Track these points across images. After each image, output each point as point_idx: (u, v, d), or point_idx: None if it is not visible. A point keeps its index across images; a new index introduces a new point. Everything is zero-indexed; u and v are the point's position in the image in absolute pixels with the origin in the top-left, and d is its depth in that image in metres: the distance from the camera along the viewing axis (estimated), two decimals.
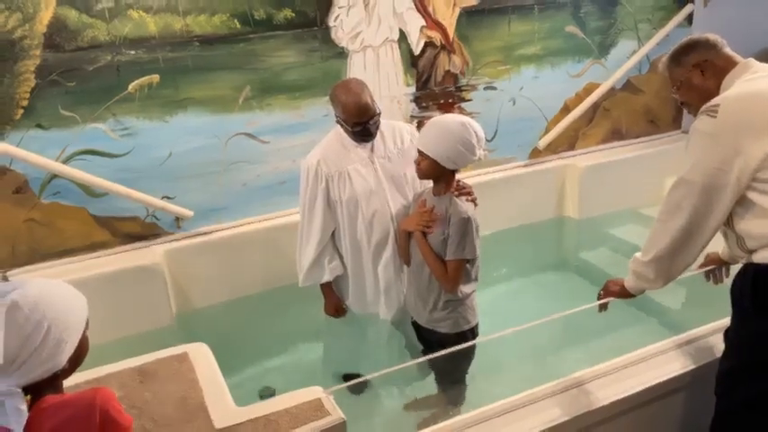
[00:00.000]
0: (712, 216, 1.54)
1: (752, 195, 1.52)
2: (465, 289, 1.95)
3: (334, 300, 2.25)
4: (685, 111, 1.78)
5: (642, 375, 1.82)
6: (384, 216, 2.08)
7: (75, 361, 1.15)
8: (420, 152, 1.88)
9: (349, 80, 2.10)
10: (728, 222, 1.60)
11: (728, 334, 1.72)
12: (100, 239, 2.62)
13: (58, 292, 1.12)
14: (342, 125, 2.05)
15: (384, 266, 2.14)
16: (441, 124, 1.86)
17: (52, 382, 1.10)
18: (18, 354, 1.04)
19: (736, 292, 1.63)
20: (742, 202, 1.54)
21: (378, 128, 2.06)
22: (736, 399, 1.65)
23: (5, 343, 1.02)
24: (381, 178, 2.09)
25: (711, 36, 1.68)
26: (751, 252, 1.57)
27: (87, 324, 1.17)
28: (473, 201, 1.95)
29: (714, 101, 1.55)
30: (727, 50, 1.66)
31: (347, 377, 2.24)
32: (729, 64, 1.63)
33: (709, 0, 3.60)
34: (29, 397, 1.07)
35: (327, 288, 2.24)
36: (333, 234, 2.17)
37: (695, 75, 1.66)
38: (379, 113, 2.03)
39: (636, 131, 3.74)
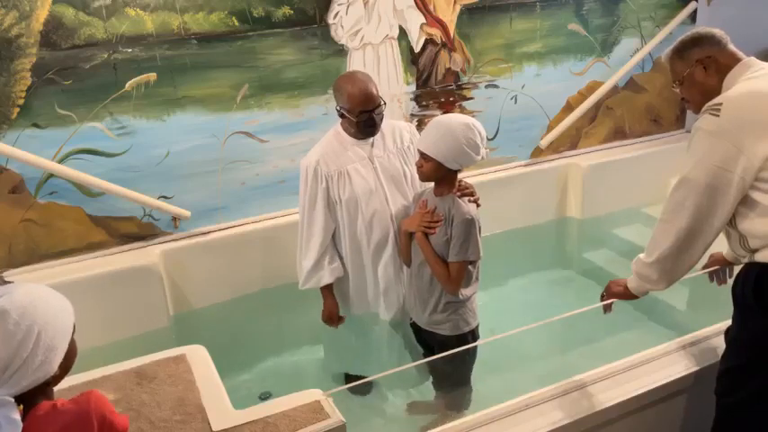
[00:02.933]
0: (716, 216, 1.53)
1: (755, 195, 1.51)
2: (466, 291, 1.93)
3: (331, 306, 2.20)
4: (689, 110, 1.76)
5: (645, 377, 1.81)
6: (384, 216, 2.06)
7: (66, 366, 1.13)
8: (422, 154, 1.86)
9: (354, 71, 2.08)
10: (731, 222, 1.58)
11: (729, 333, 1.71)
12: (96, 240, 2.60)
13: (45, 297, 1.10)
14: (345, 116, 2.01)
15: (384, 267, 2.12)
16: (443, 125, 1.83)
17: (44, 390, 1.08)
18: (10, 362, 1.02)
19: (738, 291, 1.62)
20: (745, 202, 1.53)
21: (382, 119, 2.03)
22: (738, 398, 1.64)
23: None
24: (381, 178, 2.07)
25: (717, 31, 1.65)
26: (754, 251, 1.56)
27: (74, 328, 1.15)
28: (476, 201, 1.92)
29: (717, 99, 1.54)
30: (732, 47, 1.64)
31: (350, 378, 2.22)
32: (733, 61, 1.61)
33: None
34: (21, 407, 1.05)
35: (327, 292, 2.20)
36: (333, 235, 2.14)
37: (698, 70, 1.63)
38: (385, 104, 2.01)
39: (639, 130, 3.72)
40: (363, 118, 1.97)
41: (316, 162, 2.05)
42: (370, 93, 1.95)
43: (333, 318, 2.21)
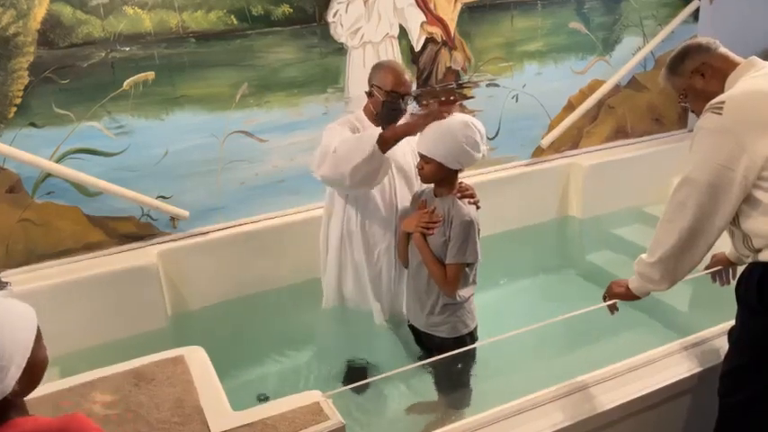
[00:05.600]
0: (718, 215, 1.52)
1: (758, 194, 1.50)
2: (463, 293, 1.92)
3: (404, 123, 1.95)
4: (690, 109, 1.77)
5: (648, 379, 1.80)
6: (389, 207, 2.09)
7: (29, 381, 1.07)
8: (422, 155, 1.85)
9: (395, 60, 2.18)
10: (735, 221, 1.58)
11: (733, 333, 1.71)
12: (94, 240, 2.59)
13: None
14: (374, 94, 2.06)
15: (379, 258, 2.13)
16: (442, 125, 1.82)
17: (7, 405, 1.04)
18: None
19: (742, 290, 1.61)
20: (748, 201, 1.52)
21: (405, 110, 2.08)
22: (740, 398, 1.63)
23: None
24: (392, 170, 2.10)
25: (703, 39, 1.68)
26: (758, 251, 1.55)
27: (39, 338, 1.10)
28: (475, 203, 1.91)
29: (719, 98, 1.54)
30: (723, 50, 1.65)
31: (351, 370, 2.22)
32: (727, 64, 1.62)
33: None
34: None
35: (387, 134, 1.90)
36: (331, 219, 2.16)
37: (696, 80, 1.65)
38: (413, 98, 2.08)
39: (641, 129, 3.71)
40: (392, 98, 2.02)
41: (342, 123, 2.09)
42: (405, 78, 2.05)
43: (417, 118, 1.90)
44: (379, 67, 2.10)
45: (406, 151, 2.14)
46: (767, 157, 1.46)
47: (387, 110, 2.05)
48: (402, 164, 2.13)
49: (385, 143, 1.88)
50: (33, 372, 1.08)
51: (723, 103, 1.51)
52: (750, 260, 1.60)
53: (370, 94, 2.11)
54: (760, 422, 1.62)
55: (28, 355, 1.06)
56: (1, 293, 2.27)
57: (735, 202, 1.51)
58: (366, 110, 2.15)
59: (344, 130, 2.07)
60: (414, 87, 2.08)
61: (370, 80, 2.11)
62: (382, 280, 2.15)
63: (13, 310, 1.07)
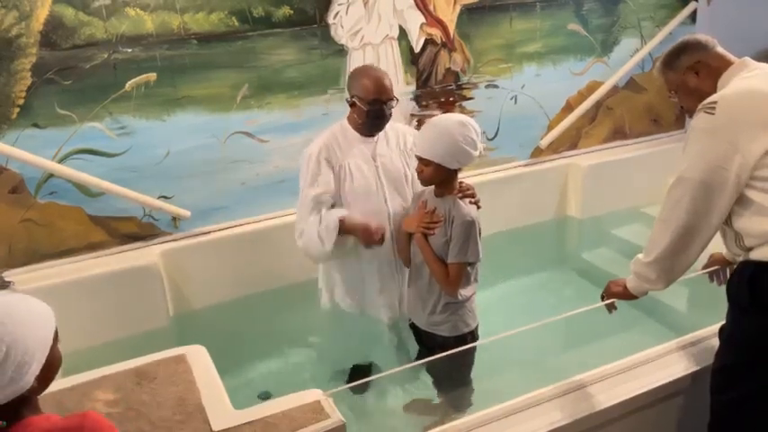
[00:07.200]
0: (713, 214, 1.53)
1: (750, 193, 1.52)
2: (465, 292, 1.93)
3: (361, 226, 1.97)
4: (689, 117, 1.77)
5: (644, 378, 1.81)
6: (381, 216, 2.06)
7: (45, 378, 1.10)
8: (420, 158, 1.85)
9: (371, 64, 2.13)
10: (727, 220, 1.59)
11: (724, 331, 1.71)
12: (96, 239, 2.60)
13: (16, 311, 1.05)
14: (356, 104, 2.01)
15: (379, 267, 2.12)
16: (438, 126, 1.83)
17: (24, 402, 1.06)
18: None
19: (733, 289, 1.63)
20: (740, 200, 1.54)
21: (391, 115, 2.04)
22: (732, 396, 1.64)
23: None
24: (382, 177, 2.07)
25: (702, 36, 1.68)
26: (749, 250, 1.57)
27: (56, 337, 1.12)
28: (476, 203, 1.92)
29: (712, 98, 1.55)
30: (720, 50, 1.66)
31: (354, 369, 2.23)
32: (723, 63, 1.63)
33: None
34: (4, 423, 1.03)
35: (346, 224, 1.98)
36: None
37: (690, 77, 1.66)
38: (397, 100, 2.03)
39: (639, 130, 3.72)
40: (375, 107, 1.98)
41: (318, 151, 2.05)
42: (384, 84, 1.98)
43: (371, 231, 1.97)
44: (356, 76, 2.02)
45: (394, 156, 2.10)
46: (760, 156, 1.48)
47: (371, 119, 2.01)
48: (390, 167, 2.08)
49: (344, 230, 2.00)
50: (50, 369, 1.11)
51: (716, 103, 1.52)
52: (741, 259, 1.61)
53: (352, 105, 2.04)
54: (753, 420, 1.63)
55: (47, 353, 1.09)
56: (4, 293, 2.29)
57: (729, 201, 1.52)
58: (350, 119, 2.09)
59: (317, 172, 2.00)
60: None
61: (349, 90, 2.05)
62: (384, 284, 2.13)
63: (35, 308, 1.10)
